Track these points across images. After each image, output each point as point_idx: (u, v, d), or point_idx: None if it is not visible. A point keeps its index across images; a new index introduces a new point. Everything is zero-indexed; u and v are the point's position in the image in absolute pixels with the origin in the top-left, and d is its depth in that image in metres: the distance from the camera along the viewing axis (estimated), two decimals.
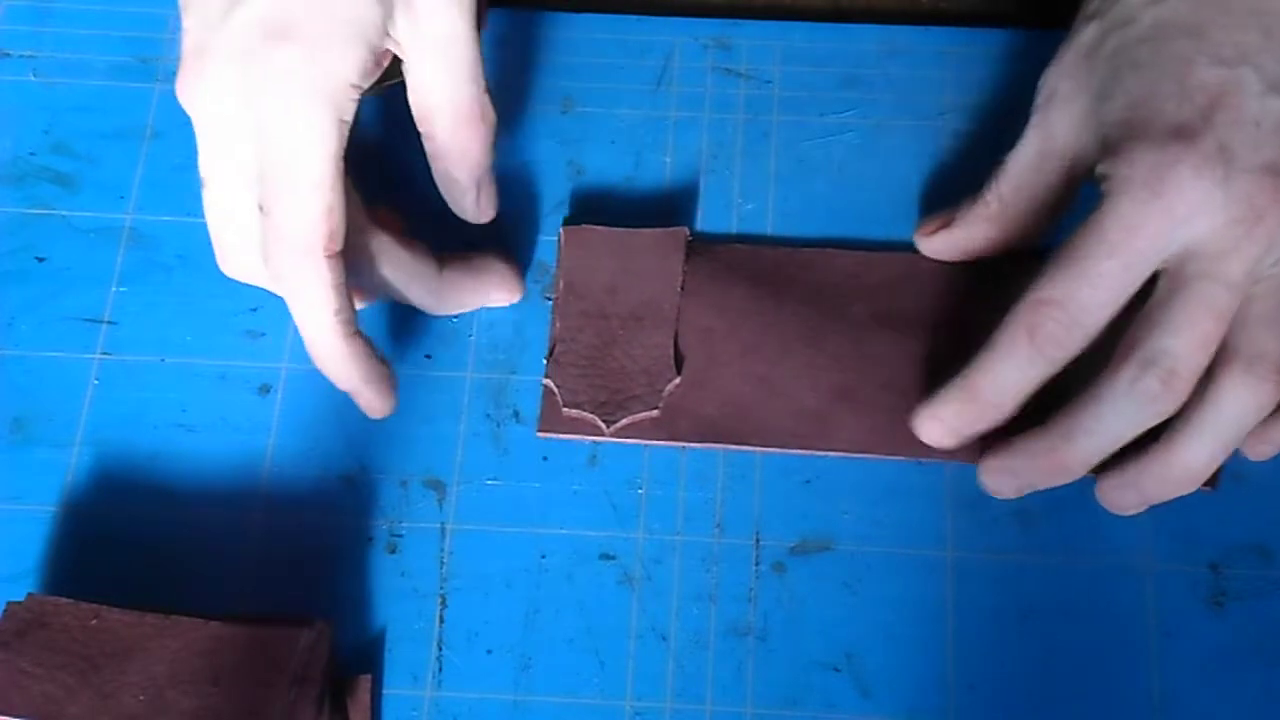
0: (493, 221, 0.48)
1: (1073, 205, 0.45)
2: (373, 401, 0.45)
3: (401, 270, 0.46)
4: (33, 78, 0.53)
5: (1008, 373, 0.42)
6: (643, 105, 0.52)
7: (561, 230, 0.49)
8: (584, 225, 0.49)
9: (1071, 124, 0.44)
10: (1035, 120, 0.45)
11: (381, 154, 0.51)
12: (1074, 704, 0.43)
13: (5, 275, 0.49)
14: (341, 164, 0.41)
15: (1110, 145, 0.41)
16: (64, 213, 0.50)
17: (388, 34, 0.42)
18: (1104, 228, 0.40)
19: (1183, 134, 0.40)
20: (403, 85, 0.44)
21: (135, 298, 0.49)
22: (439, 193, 0.47)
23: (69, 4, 0.54)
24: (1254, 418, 0.41)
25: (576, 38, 0.53)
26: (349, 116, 0.41)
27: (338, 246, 0.42)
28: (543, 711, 0.43)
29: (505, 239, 0.49)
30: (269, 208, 0.41)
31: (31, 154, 0.51)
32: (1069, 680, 0.43)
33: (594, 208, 0.50)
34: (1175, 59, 0.41)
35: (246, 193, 0.42)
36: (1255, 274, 0.40)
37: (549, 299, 0.49)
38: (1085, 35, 0.44)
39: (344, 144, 0.41)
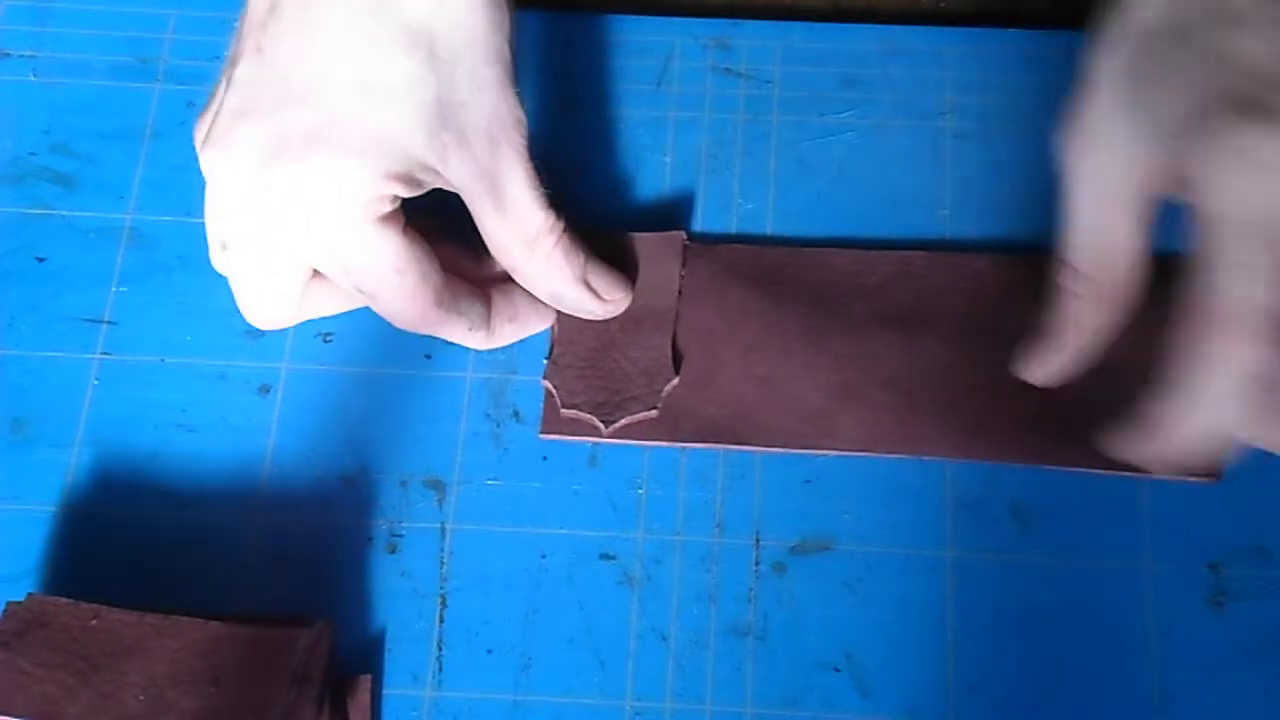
0: None
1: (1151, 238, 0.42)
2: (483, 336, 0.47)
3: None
4: (33, 78, 0.53)
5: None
6: (643, 105, 0.52)
7: None
8: (584, 227, 0.49)
9: (1127, 138, 0.41)
10: (1083, 163, 0.42)
11: None
12: (1074, 704, 0.43)
13: (5, 275, 0.49)
14: (409, 238, 0.43)
15: (1180, 141, 0.39)
16: (64, 213, 0.50)
17: (437, 173, 0.43)
18: (1226, 235, 0.38)
19: (1253, 106, 0.38)
20: None
21: (135, 298, 0.49)
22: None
23: (69, 4, 0.54)
24: None
25: (576, 38, 0.53)
26: (397, 205, 0.43)
27: (445, 299, 0.44)
28: (543, 711, 0.43)
29: None
30: (368, 292, 0.44)
31: (31, 154, 0.51)
32: (1069, 680, 0.43)
33: (594, 208, 0.50)
34: (1210, 42, 0.39)
35: (271, 249, 0.44)
36: None
37: None
38: (1107, 52, 0.41)
39: (402, 221, 0.43)
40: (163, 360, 0.48)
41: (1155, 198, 0.41)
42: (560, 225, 0.45)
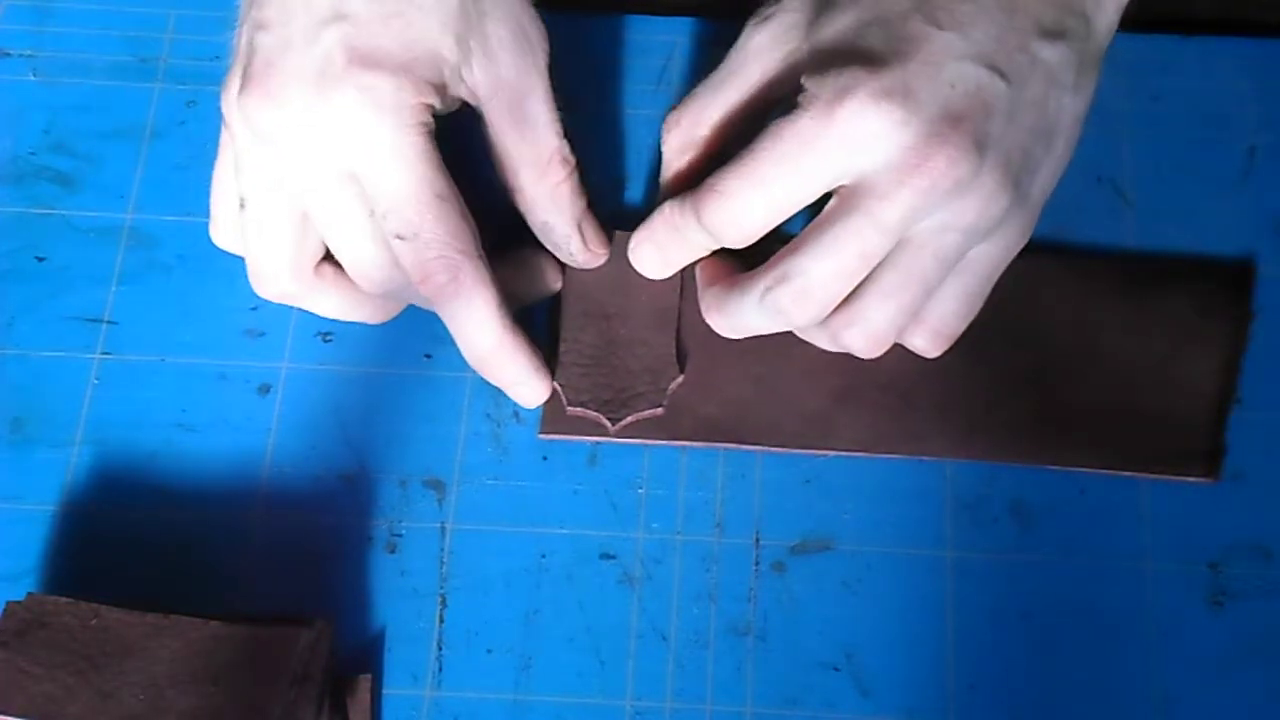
0: (492, 221, 0.48)
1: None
2: (535, 391, 0.46)
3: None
4: (33, 77, 0.53)
5: (676, 241, 0.45)
6: (643, 105, 0.52)
7: None
8: None
9: (777, 48, 0.44)
10: (743, 44, 0.45)
11: None
12: (1074, 704, 0.43)
13: (5, 275, 0.49)
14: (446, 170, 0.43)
15: (808, 67, 0.42)
16: (64, 212, 0.50)
17: (463, 80, 0.43)
18: (781, 137, 0.41)
19: (873, 64, 0.40)
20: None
21: (135, 298, 0.49)
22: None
23: (69, 4, 0.54)
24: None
25: (576, 38, 0.53)
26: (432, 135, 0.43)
27: (480, 246, 0.43)
28: (543, 711, 0.43)
29: (506, 238, 0.49)
30: (409, 231, 0.42)
31: (31, 154, 0.51)
32: (1069, 680, 0.43)
33: (594, 208, 0.50)
34: (887, 9, 0.41)
35: (289, 213, 0.43)
36: (909, 223, 0.41)
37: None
38: None
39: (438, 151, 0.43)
40: (163, 360, 0.48)
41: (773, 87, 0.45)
42: (574, 160, 0.46)
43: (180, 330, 0.48)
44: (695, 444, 0.46)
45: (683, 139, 0.46)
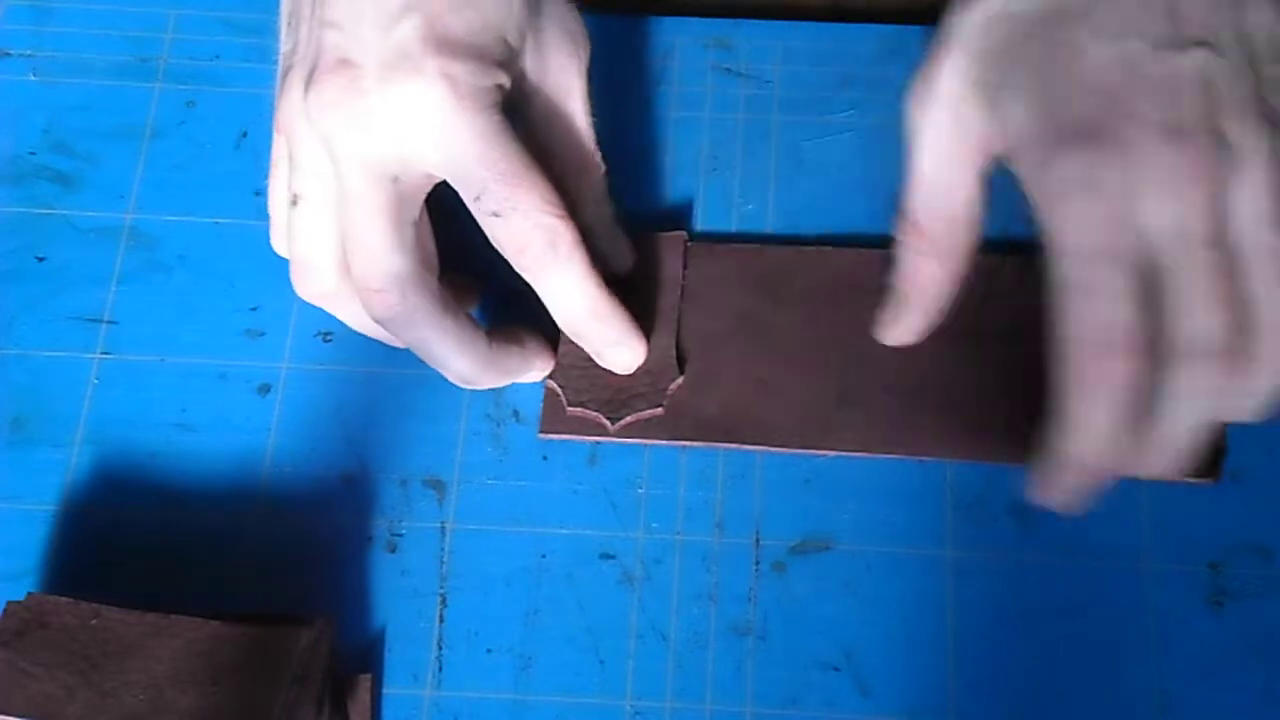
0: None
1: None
2: (635, 352, 0.46)
3: (451, 338, 0.44)
4: (33, 77, 0.53)
5: None
6: (643, 105, 0.52)
7: None
8: None
9: (972, 117, 0.41)
10: (928, 125, 0.42)
11: None
12: (1074, 704, 0.43)
13: (5, 275, 0.49)
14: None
15: (1022, 144, 0.40)
16: (64, 212, 0.50)
17: (522, 70, 0.44)
18: (1078, 262, 0.38)
19: (1096, 131, 0.38)
20: None
21: (135, 298, 0.49)
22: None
23: (69, 4, 0.54)
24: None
25: None
26: None
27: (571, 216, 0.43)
28: (543, 711, 0.43)
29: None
30: (506, 206, 0.42)
31: (31, 154, 0.51)
32: (1069, 680, 0.43)
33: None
34: (1063, 45, 0.40)
35: (333, 214, 0.43)
36: (1221, 232, 0.38)
37: None
38: (967, 25, 0.42)
39: None
40: (163, 360, 0.48)
41: (993, 159, 0.42)
42: (602, 168, 0.47)
43: (180, 330, 0.48)
44: (695, 444, 0.46)
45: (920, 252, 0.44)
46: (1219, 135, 0.38)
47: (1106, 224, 0.38)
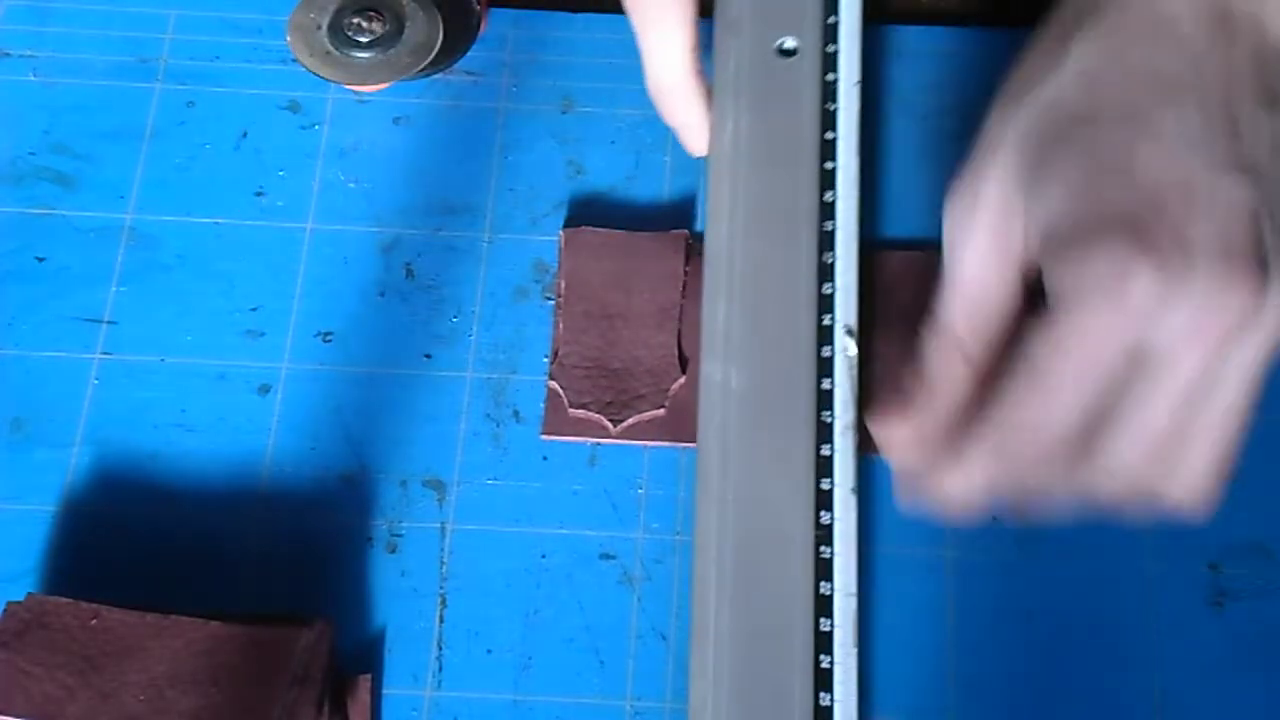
0: (490, 219, 0.48)
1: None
2: (698, 139, 0.48)
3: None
4: (33, 78, 0.53)
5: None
6: (643, 105, 0.52)
7: (562, 233, 0.49)
8: (585, 228, 0.49)
9: (1018, 215, 0.39)
10: (975, 229, 0.40)
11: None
12: (1074, 704, 0.43)
13: (5, 275, 0.49)
14: None
15: (1056, 229, 0.38)
16: (64, 213, 0.50)
17: None
18: (1063, 342, 0.37)
19: (1139, 233, 0.36)
20: None
21: (135, 298, 0.49)
22: None
23: (69, 4, 0.54)
24: None
25: (576, 38, 0.53)
26: None
27: None
28: (543, 711, 0.43)
29: (505, 237, 0.49)
30: None
31: (31, 154, 0.51)
32: (1069, 680, 0.43)
33: (594, 208, 0.50)
34: (1115, 145, 0.38)
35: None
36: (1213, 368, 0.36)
37: (549, 299, 0.49)
38: (1016, 123, 0.40)
39: None
40: (163, 360, 0.48)
41: (1033, 266, 0.40)
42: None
43: (180, 330, 0.48)
44: (695, 445, 0.46)
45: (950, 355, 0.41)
46: (1265, 269, 0.36)
47: (1114, 339, 0.36)
